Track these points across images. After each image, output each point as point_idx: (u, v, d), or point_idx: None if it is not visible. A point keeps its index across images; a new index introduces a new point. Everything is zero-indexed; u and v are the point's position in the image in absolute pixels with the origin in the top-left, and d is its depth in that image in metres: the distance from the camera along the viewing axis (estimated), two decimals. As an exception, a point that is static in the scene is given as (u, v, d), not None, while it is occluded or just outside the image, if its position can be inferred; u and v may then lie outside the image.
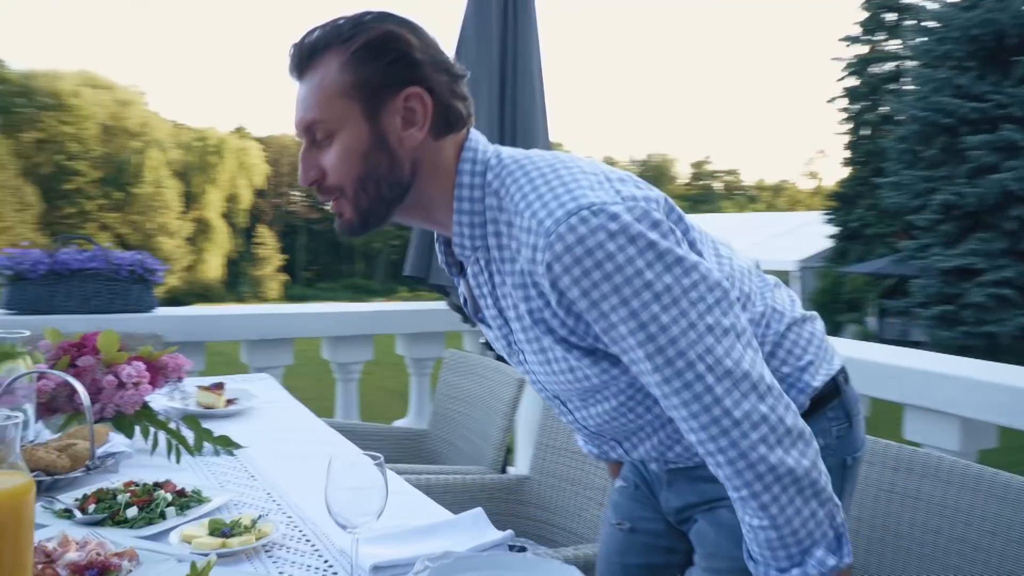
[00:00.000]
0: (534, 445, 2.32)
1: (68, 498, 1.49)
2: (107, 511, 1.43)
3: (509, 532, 1.40)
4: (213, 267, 42.09)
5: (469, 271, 1.19)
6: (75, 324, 2.99)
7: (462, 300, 1.31)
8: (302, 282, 45.02)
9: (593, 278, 1.00)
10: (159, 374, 1.98)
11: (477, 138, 1.17)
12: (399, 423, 3.80)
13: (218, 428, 2.06)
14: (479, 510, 1.47)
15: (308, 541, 1.38)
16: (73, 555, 1.21)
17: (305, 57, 1.13)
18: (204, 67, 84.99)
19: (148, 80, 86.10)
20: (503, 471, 2.48)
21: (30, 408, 1.74)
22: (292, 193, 49.40)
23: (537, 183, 1.07)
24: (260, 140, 51.16)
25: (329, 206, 1.16)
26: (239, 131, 52.17)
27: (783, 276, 1.92)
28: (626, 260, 0.99)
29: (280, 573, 1.25)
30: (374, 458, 1.19)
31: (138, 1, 74.01)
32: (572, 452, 2.19)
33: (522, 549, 1.35)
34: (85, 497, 1.48)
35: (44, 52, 72.27)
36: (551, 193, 1.04)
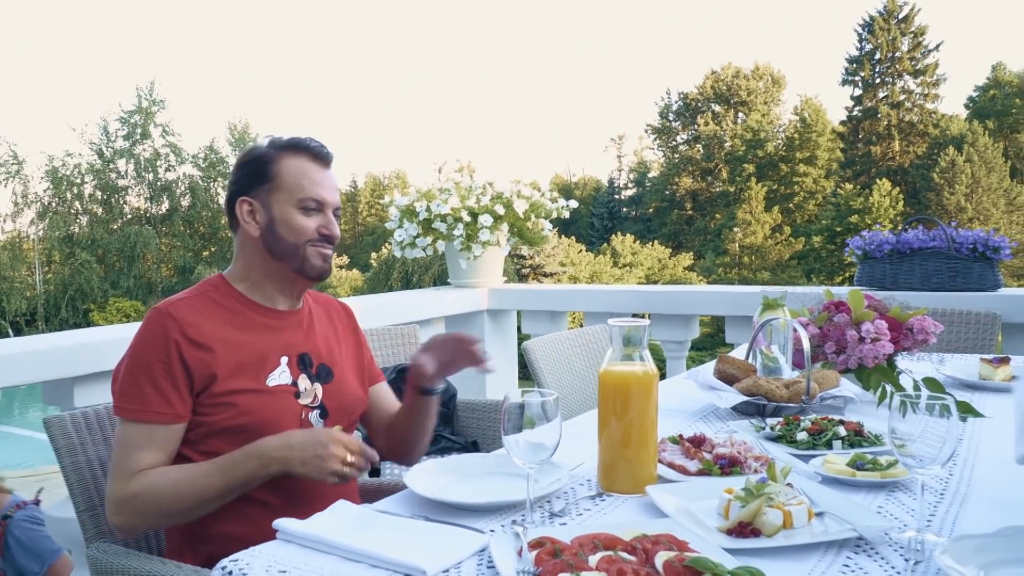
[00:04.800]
0: None
1: (773, 420, 1.79)
2: (785, 432, 1.68)
3: None
4: None
5: None
6: (916, 300, 3.19)
7: None
8: None
9: None
10: (904, 334, 2.07)
11: None
12: None
13: (982, 399, 2.04)
14: None
15: (938, 493, 1.35)
16: (723, 449, 1.53)
17: None
18: None
19: None
20: None
21: (778, 351, 2.10)
22: None
23: None
24: None
25: None
26: None
27: None
28: None
29: (880, 508, 1.30)
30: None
31: None
32: None
33: None
34: (784, 420, 1.76)
35: (1046, 47, 70.01)
36: None
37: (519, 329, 4.44)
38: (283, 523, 1.19)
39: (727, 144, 45.85)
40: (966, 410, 1.90)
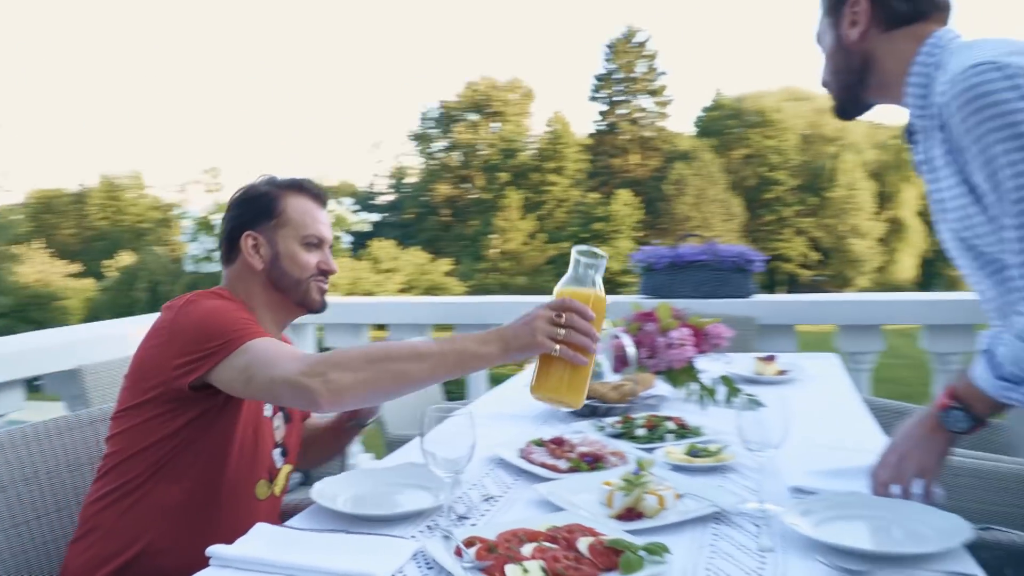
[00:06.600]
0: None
1: (608, 419, 2.06)
2: (626, 429, 1.94)
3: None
4: (906, 267, 40.74)
5: (919, 140, 1.47)
6: (689, 307, 3.65)
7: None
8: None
9: (976, 117, 1.25)
10: (703, 339, 2.43)
11: (945, 32, 1.43)
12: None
13: (757, 390, 2.43)
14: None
15: (755, 470, 1.66)
16: (584, 448, 1.75)
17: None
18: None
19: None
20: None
21: (604, 359, 2.38)
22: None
23: (963, 51, 1.35)
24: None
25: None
26: (939, 123, 48.99)
27: None
28: (1011, 108, 1.22)
29: (719, 484, 1.58)
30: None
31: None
32: None
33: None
34: (622, 420, 2.02)
35: (752, 74, 79.27)
36: (969, 54, 1.31)
37: (320, 343, 4.46)
38: (216, 550, 1.24)
39: (482, 152, 47.40)
40: (753, 402, 2.28)
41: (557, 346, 1.41)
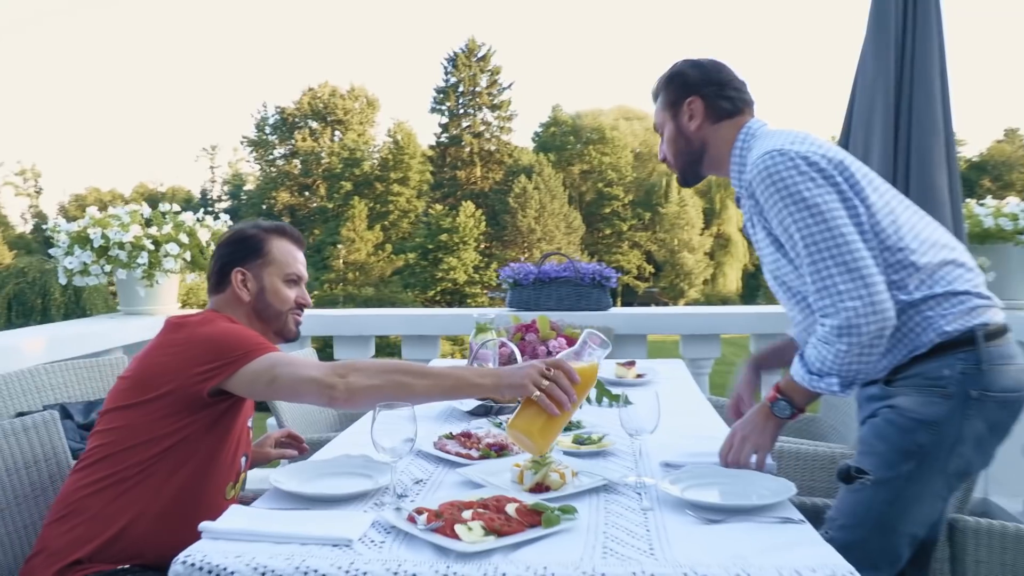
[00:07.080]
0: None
1: (502, 417, 2.38)
2: (519, 424, 2.28)
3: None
4: (731, 280, 43.77)
5: (744, 205, 1.92)
6: (555, 319, 4.05)
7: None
8: (819, 294, 43.89)
9: (770, 191, 1.75)
10: (576, 348, 2.81)
11: (754, 122, 1.95)
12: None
13: (621, 391, 2.82)
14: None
15: (631, 454, 2.04)
16: (489, 439, 2.07)
17: (654, 94, 2.06)
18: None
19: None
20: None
21: (492, 365, 2.70)
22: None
23: (763, 139, 1.86)
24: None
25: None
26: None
27: None
28: (792, 182, 1.72)
29: (604, 464, 1.93)
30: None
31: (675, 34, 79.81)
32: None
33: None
34: (512, 417, 2.35)
35: (591, 93, 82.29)
36: (766, 143, 1.82)
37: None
38: (207, 524, 1.46)
39: (324, 161, 46.72)
40: (626, 401, 2.68)
41: (537, 391, 1.70)
